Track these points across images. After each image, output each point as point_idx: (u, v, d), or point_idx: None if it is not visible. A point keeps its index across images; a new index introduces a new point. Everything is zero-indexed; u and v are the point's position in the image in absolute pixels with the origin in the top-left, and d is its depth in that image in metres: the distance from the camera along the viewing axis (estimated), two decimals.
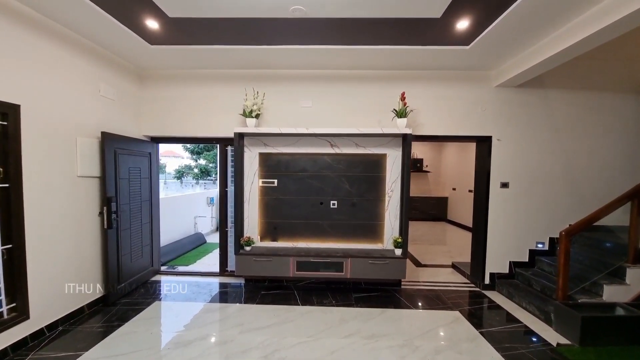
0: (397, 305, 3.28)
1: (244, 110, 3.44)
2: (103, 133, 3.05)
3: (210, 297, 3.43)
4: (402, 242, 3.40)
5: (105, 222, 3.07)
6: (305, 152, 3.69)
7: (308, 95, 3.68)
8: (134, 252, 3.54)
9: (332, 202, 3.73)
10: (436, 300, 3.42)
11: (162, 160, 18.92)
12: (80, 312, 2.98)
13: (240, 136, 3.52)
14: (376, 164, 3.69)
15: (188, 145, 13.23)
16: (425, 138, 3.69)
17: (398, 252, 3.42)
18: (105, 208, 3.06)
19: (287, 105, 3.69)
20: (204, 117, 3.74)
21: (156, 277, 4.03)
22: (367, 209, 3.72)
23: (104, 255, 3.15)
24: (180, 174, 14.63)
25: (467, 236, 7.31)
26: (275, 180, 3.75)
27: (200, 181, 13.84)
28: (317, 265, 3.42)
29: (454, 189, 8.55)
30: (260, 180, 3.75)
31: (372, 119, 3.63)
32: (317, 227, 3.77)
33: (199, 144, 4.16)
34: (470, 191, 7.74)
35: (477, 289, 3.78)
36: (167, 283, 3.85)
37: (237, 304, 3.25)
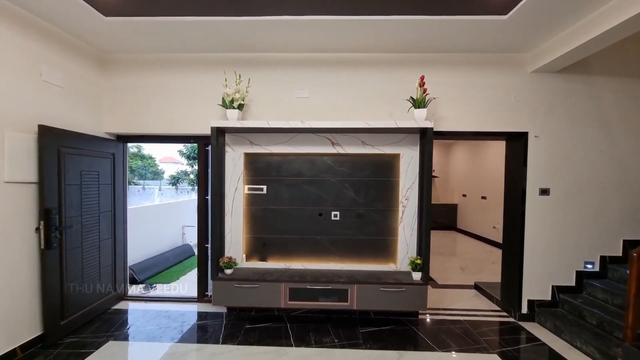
0: (416, 344, 2.57)
1: (224, 100, 2.79)
2: (41, 127, 2.38)
3: (180, 333, 2.72)
4: (422, 263, 2.71)
5: (43, 241, 2.38)
6: (301, 152, 3.04)
7: (304, 84, 3.04)
8: (88, 276, 2.85)
9: (333, 213, 3.06)
10: (465, 336, 2.72)
11: (161, 166, 18.34)
12: (10, 357, 2.28)
13: (220, 132, 2.86)
14: (387, 166, 3.03)
15: (184, 150, 12.60)
16: (446, 135, 3.04)
17: (416, 276, 2.74)
18: (42, 223, 2.37)
19: (278, 96, 3.05)
20: (181, 111, 3.09)
21: (120, 305, 3.31)
22: (376, 222, 3.05)
23: (42, 282, 2.45)
24: (175, 180, 14.01)
25: (482, 247, 6.73)
26: (264, 187, 3.08)
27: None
28: (314, 293, 2.73)
29: (464, 195, 7.90)
30: (246, 187, 3.09)
31: (383, 112, 2.99)
32: (315, 243, 3.09)
33: (175, 142, 3.40)
34: (483, 198, 7.09)
35: (512, 320, 3.08)
36: (133, 313, 3.15)
37: (213, 346, 2.54)
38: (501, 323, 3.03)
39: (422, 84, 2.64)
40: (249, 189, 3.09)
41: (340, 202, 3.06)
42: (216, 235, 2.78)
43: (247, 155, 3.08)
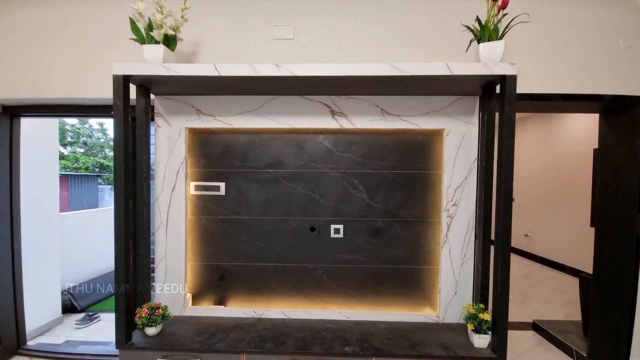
0: None
1: (134, 26, 1.58)
2: None
3: None
4: (494, 320, 1.54)
5: None
6: (281, 129, 1.85)
7: (287, 17, 1.87)
8: None
9: (334, 227, 1.88)
10: None
11: None
12: None
13: (141, 90, 1.67)
14: (422, 151, 1.85)
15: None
16: (525, 100, 1.86)
17: (481, 341, 1.55)
18: None
19: (242, 37, 1.87)
20: (94, 66, 1.90)
21: None
22: (403, 241, 1.87)
23: None
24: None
25: (514, 261, 5.00)
26: (222, 185, 1.89)
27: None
28: None
29: None
30: (192, 185, 1.89)
31: (417, 54, 1.82)
32: (304, 275, 1.91)
33: (91, 115, 2.16)
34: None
35: None
36: None
37: None
38: None
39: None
40: (197, 187, 1.89)
41: (345, 209, 1.88)
42: (123, 266, 1.57)
43: (191, 132, 1.89)
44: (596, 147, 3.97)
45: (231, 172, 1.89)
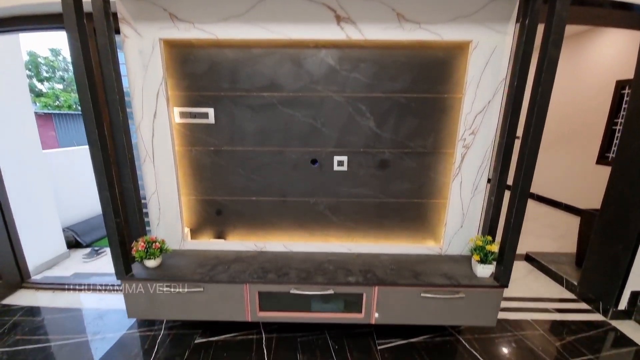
0: None
1: None
2: None
3: None
4: (502, 253, 1.49)
5: None
6: (276, 40, 1.53)
7: None
8: None
9: (337, 159, 1.72)
10: (537, 357, 1.68)
11: None
12: None
13: None
14: (441, 69, 1.58)
15: None
16: (572, 4, 1.51)
17: (484, 271, 1.54)
18: None
19: None
20: None
21: (13, 297, 2.18)
22: (412, 174, 1.74)
23: None
24: None
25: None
26: (210, 111, 1.66)
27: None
28: (304, 300, 1.56)
29: None
30: (176, 111, 1.66)
31: None
32: (305, 210, 1.82)
33: (35, 29, 1.77)
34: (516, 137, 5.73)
35: (601, 317, 2.05)
36: (18, 313, 2.02)
37: None
38: (588, 324, 1.99)
39: None
40: (182, 114, 1.66)
41: (349, 139, 1.69)
42: (108, 198, 1.44)
43: (168, 45, 1.57)
44: (620, 78, 3.66)
45: (220, 97, 1.64)
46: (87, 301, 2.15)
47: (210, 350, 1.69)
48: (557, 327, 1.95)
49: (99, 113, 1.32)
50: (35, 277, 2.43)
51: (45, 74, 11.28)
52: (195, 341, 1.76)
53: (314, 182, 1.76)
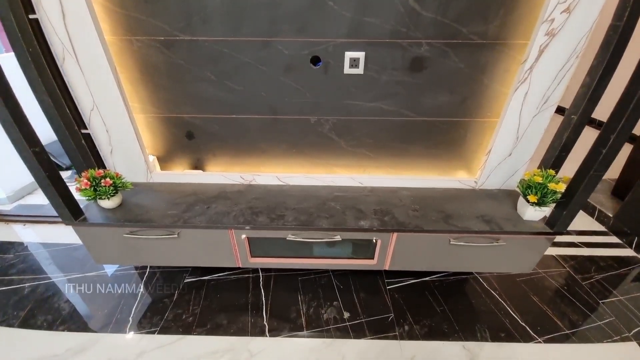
0: (491, 324, 1.38)
1: None
2: None
3: (62, 302, 1.45)
4: (574, 192, 1.11)
5: None
6: None
7: None
8: None
9: (349, 54, 1.15)
10: (568, 294, 1.53)
11: None
12: None
13: None
14: None
15: None
16: None
17: (534, 214, 1.19)
18: None
19: None
20: None
21: None
22: (456, 79, 1.20)
23: None
24: None
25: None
26: None
27: None
28: (303, 246, 1.27)
29: None
30: None
31: None
32: (305, 131, 1.36)
33: None
34: None
35: (632, 253, 1.86)
36: None
37: (113, 336, 1.30)
38: (618, 260, 1.80)
39: None
40: None
41: (369, 20, 1.08)
42: (10, 120, 0.96)
43: None
44: None
45: None
46: (63, 235, 1.91)
47: (201, 291, 1.51)
48: (584, 264, 1.75)
49: None
50: (7, 209, 2.15)
51: None
52: (185, 280, 1.58)
53: (315, 91, 1.24)
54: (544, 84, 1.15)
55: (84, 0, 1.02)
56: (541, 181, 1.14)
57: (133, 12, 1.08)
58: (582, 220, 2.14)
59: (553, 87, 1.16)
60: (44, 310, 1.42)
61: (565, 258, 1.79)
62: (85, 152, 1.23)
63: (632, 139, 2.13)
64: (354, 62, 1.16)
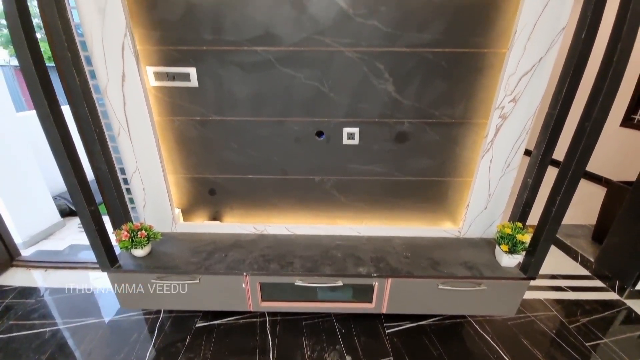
0: None
1: None
2: None
3: (77, 345, 1.55)
4: (537, 241, 1.31)
5: None
6: None
7: None
8: None
9: (348, 131, 1.45)
10: (559, 340, 1.62)
11: None
12: None
13: None
14: (484, 14, 1.23)
15: None
16: None
17: (509, 261, 1.38)
18: None
19: None
20: None
21: (4, 277, 2.08)
22: (434, 149, 1.48)
23: None
24: None
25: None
26: (191, 71, 1.34)
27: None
28: (309, 290, 1.43)
29: None
30: (151, 72, 1.33)
31: None
32: (310, 189, 1.60)
33: None
34: None
35: (616, 297, 1.98)
36: (10, 295, 1.92)
37: None
38: (603, 303, 1.92)
39: None
40: (158, 76, 1.34)
41: (363, 106, 1.40)
42: (75, 185, 1.21)
43: None
44: None
45: (202, 52, 1.31)
46: (81, 280, 2.05)
47: (212, 335, 1.62)
48: (570, 307, 1.87)
49: (44, 75, 1.02)
50: (26, 254, 2.30)
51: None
52: (197, 325, 1.68)
53: (319, 157, 1.52)
54: (504, 153, 1.43)
55: (142, 93, 1.33)
56: (510, 232, 1.35)
57: (178, 100, 1.40)
58: (567, 265, 2.29)
59: (512, 155, 1.43)
60: (64, 354, 1.51)
61: (552, 302, 1.92)
62: (126, 208, 1.46)
63: (607, 182, 2.36)
64: (351, 135, 1.45)
